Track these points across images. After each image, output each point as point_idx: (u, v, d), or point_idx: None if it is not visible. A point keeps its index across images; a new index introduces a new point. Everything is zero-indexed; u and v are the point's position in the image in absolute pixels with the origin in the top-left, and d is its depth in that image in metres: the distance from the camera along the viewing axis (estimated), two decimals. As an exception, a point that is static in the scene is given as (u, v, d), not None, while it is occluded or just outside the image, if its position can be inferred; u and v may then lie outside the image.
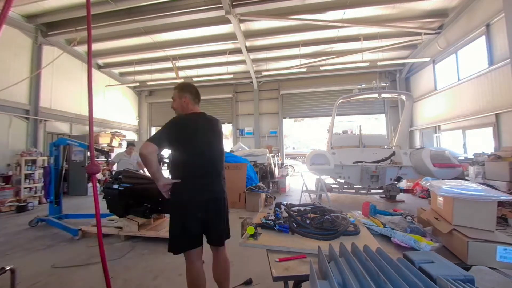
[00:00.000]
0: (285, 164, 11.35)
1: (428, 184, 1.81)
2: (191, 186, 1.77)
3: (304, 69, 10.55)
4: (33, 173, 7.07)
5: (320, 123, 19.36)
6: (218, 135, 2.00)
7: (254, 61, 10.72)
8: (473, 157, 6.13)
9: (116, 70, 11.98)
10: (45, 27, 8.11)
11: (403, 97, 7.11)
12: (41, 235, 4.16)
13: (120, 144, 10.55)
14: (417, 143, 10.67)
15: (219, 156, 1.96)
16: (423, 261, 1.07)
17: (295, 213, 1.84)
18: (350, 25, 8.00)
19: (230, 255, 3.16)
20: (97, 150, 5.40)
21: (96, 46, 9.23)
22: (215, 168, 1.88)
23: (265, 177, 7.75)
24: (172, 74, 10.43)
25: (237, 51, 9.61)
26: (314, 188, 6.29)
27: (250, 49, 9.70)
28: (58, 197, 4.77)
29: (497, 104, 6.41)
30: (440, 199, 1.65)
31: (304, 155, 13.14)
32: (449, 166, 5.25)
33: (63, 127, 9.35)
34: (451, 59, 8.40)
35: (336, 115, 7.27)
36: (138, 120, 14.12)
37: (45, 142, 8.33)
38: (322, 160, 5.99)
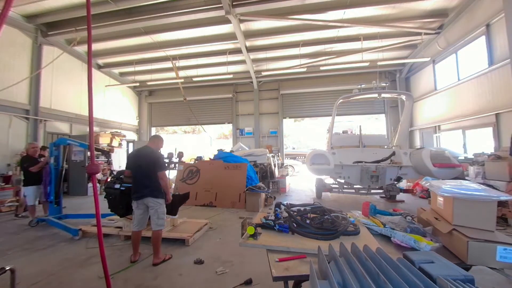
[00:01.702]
0: (285, 164, 11.35)
1: (428, 184, 1.81)
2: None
3: (304, 69, 10.55)
4: (33, 173, 7.05)
5: (320, 123, 19.39)
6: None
7: (254, 61, 10.71)
8: (473, 157, 6.12)
9: (116, 70, 11.98)
10: (45, 27, 8.11)
11: (403, 97, 7.11)
12: (41, 235, 4.16)
13: (120, 144, 10.52)
14: (417, 143, 10.67)
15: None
16: (423, 261, 1.07)
17: (295, 213, 1.84)
18: (350, 25, 8.00)
19: (230, 255, 3.18)
20: (97, 150, 5.39)
21: (96, 46, 9.22)
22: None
23: (265, 177, 7.74)
24: (172, 74, 10.43)
25: (237, 51, 9.60)
26: (314, 188, 6.28)
27: (250, 49, 9.70)
28: (58, 197, 4.77)
29: (497, 104, 6.41)
30: (440, 199, 1.65)
31: (304, 155, 13.14)
32: (449, 166, 5.24)
33: (63, 127, 9.36)
34: (451, 59, 8.40)
35: (336, 115, 7.26)
36: (138, 120, 14.12)
37: (45, 142, 8.32)
38: (322, 160, 5.98)
